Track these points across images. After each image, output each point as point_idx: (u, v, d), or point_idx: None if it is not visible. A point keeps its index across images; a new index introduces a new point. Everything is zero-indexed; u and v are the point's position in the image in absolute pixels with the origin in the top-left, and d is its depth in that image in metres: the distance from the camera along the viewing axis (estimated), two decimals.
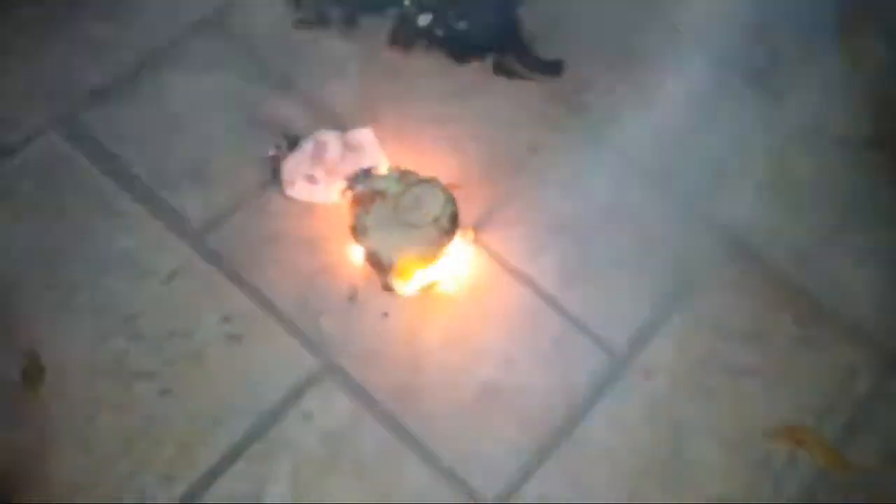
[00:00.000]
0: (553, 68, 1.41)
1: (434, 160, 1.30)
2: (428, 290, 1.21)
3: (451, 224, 1.19)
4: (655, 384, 1.18)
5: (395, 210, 1.18)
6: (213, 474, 1.08)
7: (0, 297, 1.16)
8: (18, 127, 1.28)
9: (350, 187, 1.24)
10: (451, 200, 1.20)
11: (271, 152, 1.29)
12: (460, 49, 1.41)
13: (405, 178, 1.21)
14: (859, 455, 1.16)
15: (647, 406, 1.16)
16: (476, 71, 1.41)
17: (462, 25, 1.40)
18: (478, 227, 1.26)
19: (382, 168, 1.27)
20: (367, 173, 1.26)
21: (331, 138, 1.29)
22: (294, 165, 1.27)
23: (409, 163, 1.28)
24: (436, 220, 1.18)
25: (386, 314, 1.19)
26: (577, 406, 1.15)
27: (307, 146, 1.28)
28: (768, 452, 1.14)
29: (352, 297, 1.20)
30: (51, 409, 1.10)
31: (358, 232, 1.19)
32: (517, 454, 1.12)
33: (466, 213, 1.23)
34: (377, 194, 1.20)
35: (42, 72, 1.33)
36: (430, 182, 1.21)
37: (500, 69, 1.40)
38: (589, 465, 1.12)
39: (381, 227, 1.18)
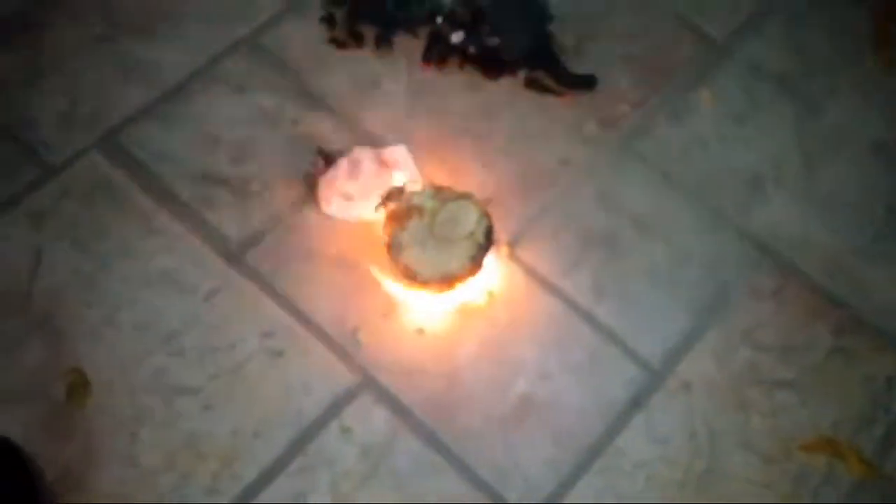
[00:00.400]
0: (586, 82, 1.42)
1: (467, 175, 1.32)
2: (463, 305, 1.23)
3: (487, 239, 1.21)
4: (691, 397, 1.18)
5: (431, 226, 1.20)
6: (255, 488, 1.10)
7: (43, 315, 1.19)
8: (61, 148, 1.32)
9: (384, 204, 1.27)
10: (486, 216, 1.22)
11: (307, 170, 1.31)
12: (493, 65, 1.42)
13: (440, 194, 1.23)
14: None
15: (683, 419, 1.17)
16: (508, 86, 1.42)
17: (494, 41, 1.42)
18: (512, 242, 1.27)
19: (417, 184, 1.29)
20: (401, 190, 1.28)
21: (365, 155, 1.31)
22: (330, 183, 1.29)
23: (443, 179, 1.30)
24: (471, 235, 1.20)
25: (421, 330, 1.21)
26: (612, 420, 1.16)
27: (342, 163, 1.31)
28: (805, 465, 1.15)
29: (387, 313, 1.22)
30: (95, 425, 1.13)
31: (393, 248, 1.21)
32: (554, 468, 1.13)
33: (500, 229, 1.25)
34: (413, 210, 1.22)
35: (83, 93, 1.36)
36: (464, 198, 1.23)
37: (532, 84, 1.42)
38: (626, 478, 1.13)
39: (416, 244, 1.20)
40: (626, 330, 1.22)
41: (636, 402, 1.18)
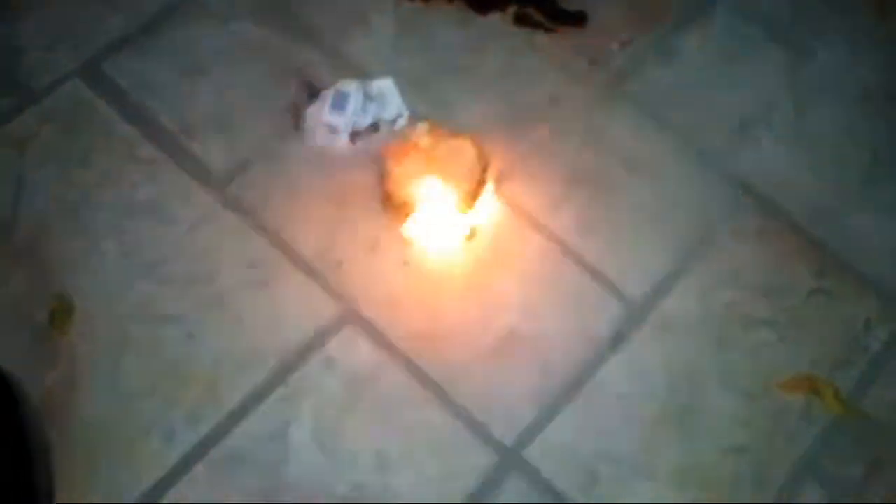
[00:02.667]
0: (576, 19, 1.44)
1: (454, 110, 1.34)
2: (449, 240, 1.25)
3: (484, 175, 1.23)
4: (672, 334, 1.22)
5: (428, 162, 1.22)
6: (238, 414, 1.13)
7: (27, 242, 1.21)
8: (42, 73, 1.33)
9: (366, 135, 1.29)
10: (483, 155, 1.24)
11: (293, 101, 1.33)
12: None
13: (436, 130, 1.25)
14: (874, 407, 1.20)
15: (663, 356, 1.20)
16: (498, 22, 1.44)
17: None
18: (499, 179, 1.29)
19: (403, 118, 1.31)
20: (389, 123, 1.30)
21: (352, 88, 1.33)
22: (315, 115, 1.31)
23: (430, 113, 1.32)
24: (469, 172, 1.22)
25: (407, 263, 1.24)
26: (595, 354, 1.20)
27: (328, 95, 1.32)
28: (784, 403, 1.19)
29: (373, 246, 1.25)
30: (79, 350, 1.15)
31: (390, 182, 1.23)
32: (536, 400, 1.17)
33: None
34: (410, 146, 1.23)
35: (65, 19, 1.37)
36: (461, 134, 1.24)
37: (522, 20, 1.43)
38: (605, 412, 1.17)
39: (412, 179, 1.22)
40: (610, 267, 1.25)
41: (618, 338, 1.21)
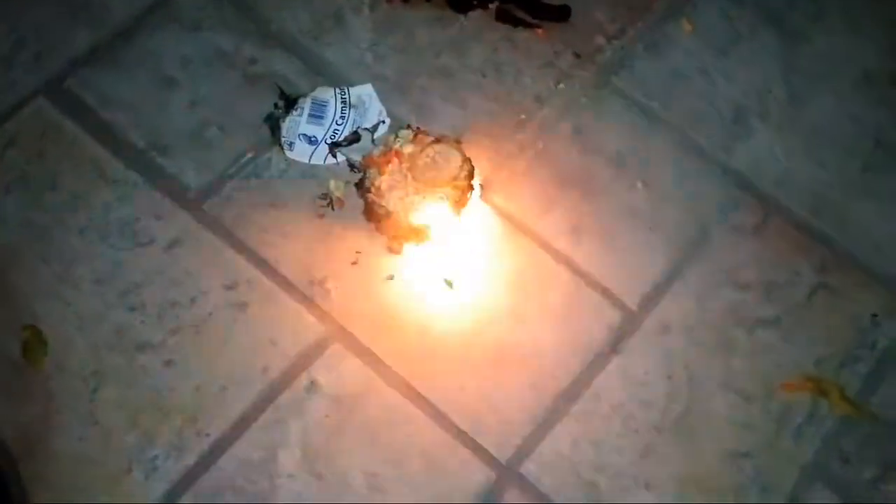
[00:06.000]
0: (560, 14, 1.43)
1: (437, 114, 1.34)
2: (435, 250, 1.25)
3: (468, 183, 1.24)
4: (670, 339, 1.22)
5: (412, 170, 1.22)
6: (223, 443, 1.13)
7: None
8: (3, 94, 1.32)
9: (347, 145, 1.29)
10: (468, 160, 1.24)
11: (268, 112, 1.33)
12: None
13: (419, 137, 1.24)
14: (883, 407, 1.20)
15: (661, 361, 1.20)
16: (478, 19, 1.43)
17: None
18: (484, 183, 1.29)
19: (384, 125, 1.31)
20: (370, 131, 1.30)
21: (330, 96, 1.33)
22: (292, 125, 1.31)
23: (411, 118, 1.31)
24: (454, 178, 1.22)
25: (391, 277, 1.24)
26: (589, 363, 1.20)
27: (305, 105, 1.32)
28: (788, 404, 1.19)
29: (355, 261, 1.25)
30: (54, 384, 1.15)
31: (371, 193, 1.23)
32: (531, 413, 1.17)
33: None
34: (392, 154, 1.23)
35: (25, 36, 1.36)
36: (445, 140, 1.24)
37: (504, 16, 1.43)
38: (603, 422, 1.17)
39: (396, 188, 1.22)
40: (604, 272, 1.25)
41: (613, 346, 1.21)
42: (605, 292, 1.24)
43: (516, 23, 1.43)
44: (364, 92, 1.34)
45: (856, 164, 1.36)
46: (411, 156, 1.23)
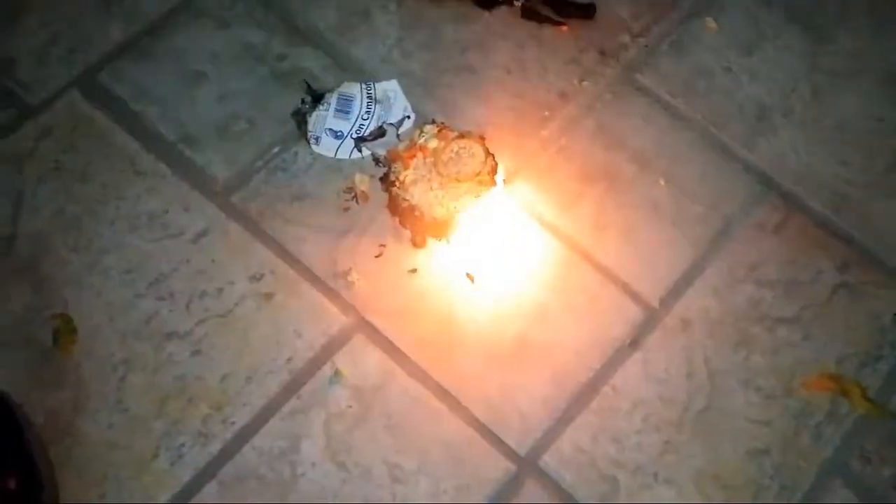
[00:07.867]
0: (585, 11, 1.44)
1: (462, 110, 1.35)
2: (458, 244, 1.27)
3: (492, 178, 1.25)
4: (690, 335, 1.22)
5: (436, 165, 1.23)
6: (248, 431, 1.15)
7: (28, 261, 1.23)
8: (38, 88, 1.35)
9: (372, 140, 1.30)
10: (491, 155, 1.25)
11: (295, 107, 1.35)
12: None
13: (443, 132, 1.26)
14: None
15: (681, 357, 1.21)
16: (504, 16, 1.44)
17: None
18: (507, 179, 1.30)
19: (409, 120, 1.33)
20: (395, 126, 1.32)
21: (356, 91, 1.35)
22: (319, 120, 1.33)
23: (437, 114, 1.33)
24: (477, 174, 1.23)
25: (414, 270, 1.25)
26: (610, 359, 1.21)
27: (332, 100, 1.34)
28: (808, 402, 1.19)
29: (379, 254, 1.26)
30: (83, 371, 1.17)
31: (396, 187, 1.24)
32: (551, 407, 1.18)
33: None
34: (417, 149, 1.25)
35: (59, 31, 1.39)
36: (469, 136, 1.26)
37: (530, 14, 1.44)
38: (622, 417, 1.18)
39: (420, 183, 1.23)
40: (626, 267, 1.26)
41: (634, 341, 1.22)
42: (627, 288, 1.25)
43: (541, 20, 1.44)
44: (389, 87, 1.36)
45: (879, 164, 1.36)
46: (435, 151, 1.24)
